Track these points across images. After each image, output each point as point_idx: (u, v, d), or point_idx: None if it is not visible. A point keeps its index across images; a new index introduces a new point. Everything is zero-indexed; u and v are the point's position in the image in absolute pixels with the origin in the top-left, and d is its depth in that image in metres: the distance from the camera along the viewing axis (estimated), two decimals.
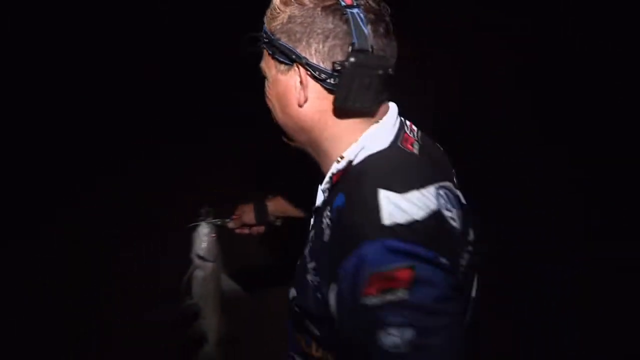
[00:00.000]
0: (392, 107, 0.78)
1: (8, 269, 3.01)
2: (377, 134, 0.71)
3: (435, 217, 0.62)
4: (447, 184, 0.70)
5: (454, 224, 0.65)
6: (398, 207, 0.60)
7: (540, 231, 3.48)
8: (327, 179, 0.75)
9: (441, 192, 0.66)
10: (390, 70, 0.70)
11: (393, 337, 0.55)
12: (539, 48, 5.86)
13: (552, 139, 4.85)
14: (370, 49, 0.66)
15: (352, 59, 0.65)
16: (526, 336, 2.51)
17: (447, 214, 0.64)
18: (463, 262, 0.65)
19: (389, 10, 0.72)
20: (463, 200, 0.74)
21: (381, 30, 0.69)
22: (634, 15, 5.09)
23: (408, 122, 0.79)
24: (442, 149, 0.86)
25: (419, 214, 0.60)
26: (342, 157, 0.72)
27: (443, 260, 0.59)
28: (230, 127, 4.93)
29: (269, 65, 0.76)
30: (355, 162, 0.71)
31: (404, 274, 0.55)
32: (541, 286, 2.89)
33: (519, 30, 6.11)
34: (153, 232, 3.44)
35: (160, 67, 5.84)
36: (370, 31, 0.67)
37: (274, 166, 3.24)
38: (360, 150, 0.71)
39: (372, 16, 0.68)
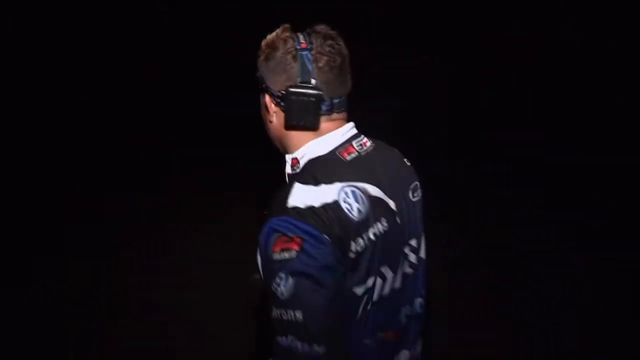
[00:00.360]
0: (346, 126, 0.96)
1: (8, 269, 3.02)
2: (320, 143, 0.92)
3: (330, 206, 0.81)
4: (362, 185, 0.86)
5: (351, 214, 0.82)
6: (301, 196, 0.82)
7: (540, 231, 3.48)
8: (287, 163, 0.99)
9: (347, 189, 0.84)
10: (331, 98, 0.90)
11: (281, 286, 0.77)
12: (539, 48, 5.86)
13: (553, 139, 4.85)
14: (310, 82, 0.87)
15: (290, 89, 0.88)
16: (526, 336, 2.51)
17: (344, 205, 0.82)
18: (354, 245, 0.83)
19: (341, 51, 0.91)
20: (390, 205, 0.90)
21: (326, 68, 0.88)
22: (634, 16, 5.09)
23: (365, 139, 0.97)
24: (406, 164, 1.03)
25: (316, 202, 0.81)
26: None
27: (326, 237, 0.79)
28: (230, 127, 4.93)
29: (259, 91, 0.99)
30: (302, 163, 0.94)
31: (297, 241, 0.78)
32: (541, 286, 2.89)
33: (519, 30, 6.11)
34: (153, 232, 3.44)
35: (160, 67, 5.84)
36: (314, 68, 0.87)
37: (273, 167, 3.24)
38: (305, 154, 0.93)
39: (318, 56, 0.88)
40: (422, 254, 1.02)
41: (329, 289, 0.78)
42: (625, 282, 2.89)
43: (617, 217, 3.58)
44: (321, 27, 0.92)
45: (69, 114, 5.09)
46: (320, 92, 0.87)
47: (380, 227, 0.86)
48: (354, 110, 1.22)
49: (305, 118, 0.89)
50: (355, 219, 0.82)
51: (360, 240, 0.83)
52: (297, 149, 0.95)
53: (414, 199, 0.98)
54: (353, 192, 0.84)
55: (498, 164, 4.49)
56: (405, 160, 1.03)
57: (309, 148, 0.93)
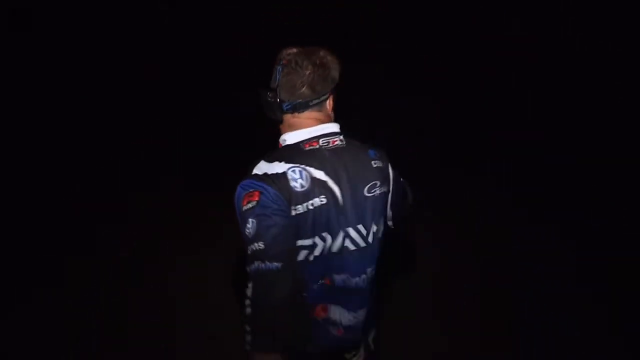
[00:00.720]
0: (320, 126, 1.19)
1: (8, 269, 3.02)
2: (291, 135, 1.19)
3: (279, 175, 1.09)
4: (308, 168, 1.12)
5: (293, 184, 1.09)
6: (262, 167, 1.12)
7: (540, 231, 3.48)
8: None
9: (295, 168, 1.11)
10: (290, 100, 1.17)
11: (249, 228, 1.07)
12: (539, 48, 5.86)
13: (553, 139, 4.85)
14: (274, 87, 1.17)
15: (260, 91, 1.19)
16: (526, 336, 2.51)
17: (290, 177, 1.09)
18: (294, 210, 1.09)
19: (309, 68, 1.15)
20: (334, 189, 1.14)
21: (288, 78, 1.15)
22: (634, 16, 5.09)
23: (335, 139, 1.19)
24: (372, 166, 1.22)
25: (271, 171, 1.10)
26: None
27: (277, 192, 1.08)
28: (230, 127, 4.94)
29: None
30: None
31: (256, 193, 1.07)
32: (541, 286, 2.90)
33: (519, 30, 6.11)
34: (153, 232, 3.44)
35: (160, 67, 5.85)
36: (280, 78, 1.16)
37: None
38: (283, 141, 1.21)
39: (286, 70, 1.15)
40: (370, 239, 1.21)
41: (281, 225, 1.07)
42: (625, 282, 2.89)
43: (617, 217, 3.58)
44: (311, 51, 1.18)
45: (68, 114, 5.09)
46: (269, 94, 1.17)
47: (318, 201, 1.12)
48: (355, 110, 1.24)
49: (268, 111, 1.20)
50: (297, 189, 1.09)
51: (300, 207, 1.09)
52: (280, 136, 1.23)
53: (368, 195, 1.19)
54: (300, 171, 1.10)
55: (498, 164, 4.49)
56: (373, 162, 1.22)
57: (285, 137, 1.21)
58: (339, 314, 1.22)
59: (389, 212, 1.30)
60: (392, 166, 1.29)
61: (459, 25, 6.34)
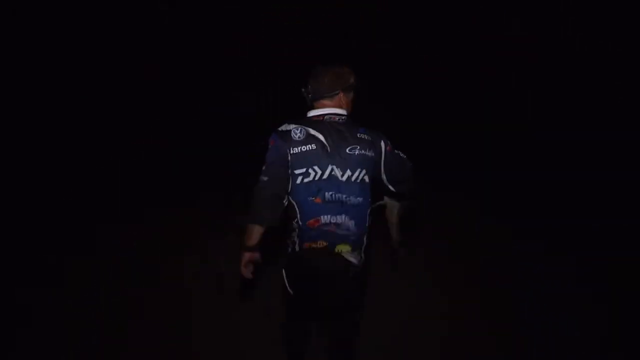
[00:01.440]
0: (329, 109, 1.84)
1: (8, 269, 3.02)
2: (312, 112, 1.84)
3: (287, 130, 1.77)
4: (307, 128, 1.78)
5: (294, 135, 1.76)
6: (283, 126, 1.79)
7: (540, 231, 3.48)
8: None
9: (299, 127, 1.77)
10: (314, 93, 1.84)
11: (265, 157, 1.78)
12: (539, 48, 5.86)
13: (553, 139, 4.85)
14: (307, 86, 1.86)
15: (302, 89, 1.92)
16: (526, 336, 2.51)
17: (292, 132, 1.76)
18: (292, 150, 1.74)
19: (324, 77, 1.82)
20: (324, 141, 1.77)
21: (314, 80, 1.83)
22: (634, 16, 5.09)
23: (336, 117, 1.83)
24: (358, 137, 1.80)
25: (285, 129, 1.78)
26: None
27: (281, 141, 1.75)
28: (230, 127, 4.94)
29: None
30: None
31: (273, 140, 1.77)
32: (541, 286, 2.90)
33: (519, 30, 6.10)
34: (153, 232, 3.44)
35: (160, 67, 5.85)
36: (312, 78, 1.85)
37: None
38: (307, 114, 1.86)
39: (314, 76, 1.84)
40: (344, 179, 1.79)
41: (277, 161, 1.74)
42: (625, 282, 2.89)
43: (617, 217, 3.58)
44: (332, 65, 1.87)
45: (69, 114, 5.09)
46: (304, 90, 1.87)
47: (309, 147, 1.76)
48: (357, 109, 1.65)
49: (306, 100, 1.87)
50: (295, 139, 1.76)
51: (296, 149, 1.75)
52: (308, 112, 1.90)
53: (349, 152, 1.79)
54: (301, 129, 1.77)
55: (498, 163, 4.49)
56: (359, 134, 1.81)
57: (309, 113, 1.86)
58: (329, 217, 1.79)
59: (383, 174, 1.82)
60: (387, 143, 1.80)
61: (459, 25, 6.34)
